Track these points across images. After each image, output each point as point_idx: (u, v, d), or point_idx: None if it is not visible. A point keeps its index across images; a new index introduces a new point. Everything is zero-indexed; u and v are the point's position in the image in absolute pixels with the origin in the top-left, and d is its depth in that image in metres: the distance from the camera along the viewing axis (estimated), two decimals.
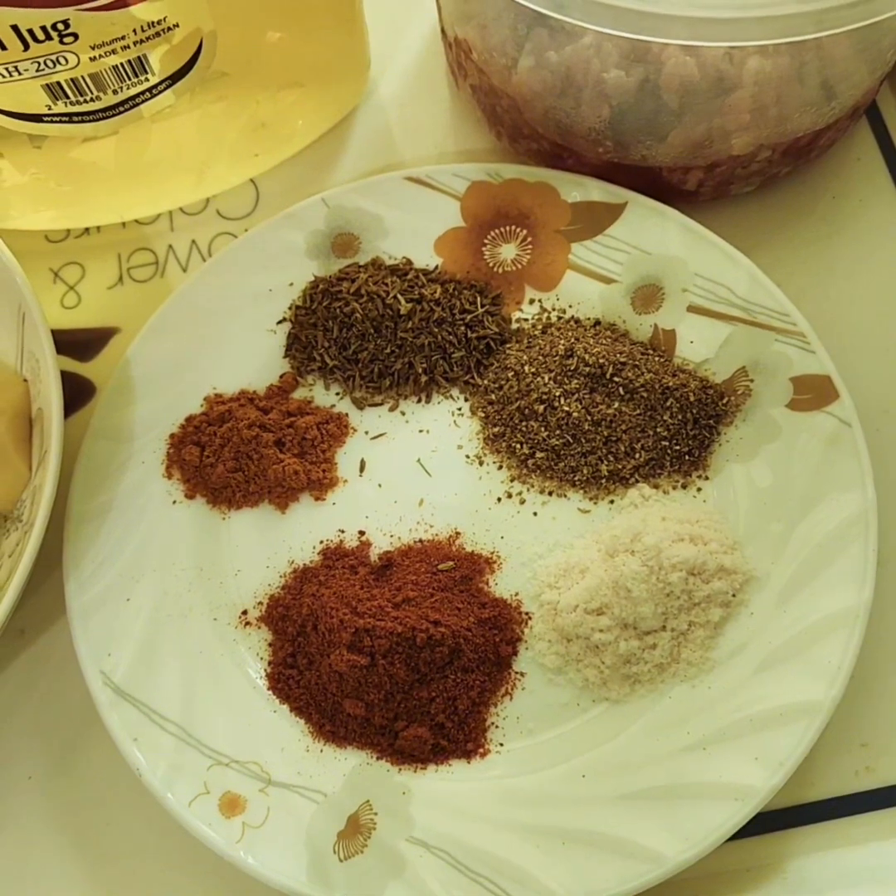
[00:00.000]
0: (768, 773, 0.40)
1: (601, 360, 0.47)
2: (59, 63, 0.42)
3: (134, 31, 0.42)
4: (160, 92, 0.46)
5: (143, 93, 0.46)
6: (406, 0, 0.58)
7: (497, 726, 0.43)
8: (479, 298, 0.50)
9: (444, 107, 0.56)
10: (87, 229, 0.55)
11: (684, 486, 0.47)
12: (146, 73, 0.45)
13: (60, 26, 0.41)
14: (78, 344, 0.53)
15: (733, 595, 0.43)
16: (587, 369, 0.47)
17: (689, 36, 0.39)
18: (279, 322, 0.51)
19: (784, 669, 0.42)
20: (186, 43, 0.45)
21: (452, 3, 0.50)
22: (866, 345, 0.50)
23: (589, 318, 0.50)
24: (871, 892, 0.41)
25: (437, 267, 0.51)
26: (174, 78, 0.46)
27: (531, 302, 0.50)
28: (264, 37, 0.48)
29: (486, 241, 0.51)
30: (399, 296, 0.49)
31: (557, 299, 0.50)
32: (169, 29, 0.43)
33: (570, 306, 0.50)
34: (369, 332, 0.49)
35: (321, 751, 0.43)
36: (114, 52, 0.43)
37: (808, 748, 0.40)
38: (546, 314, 0.50)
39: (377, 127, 0.56)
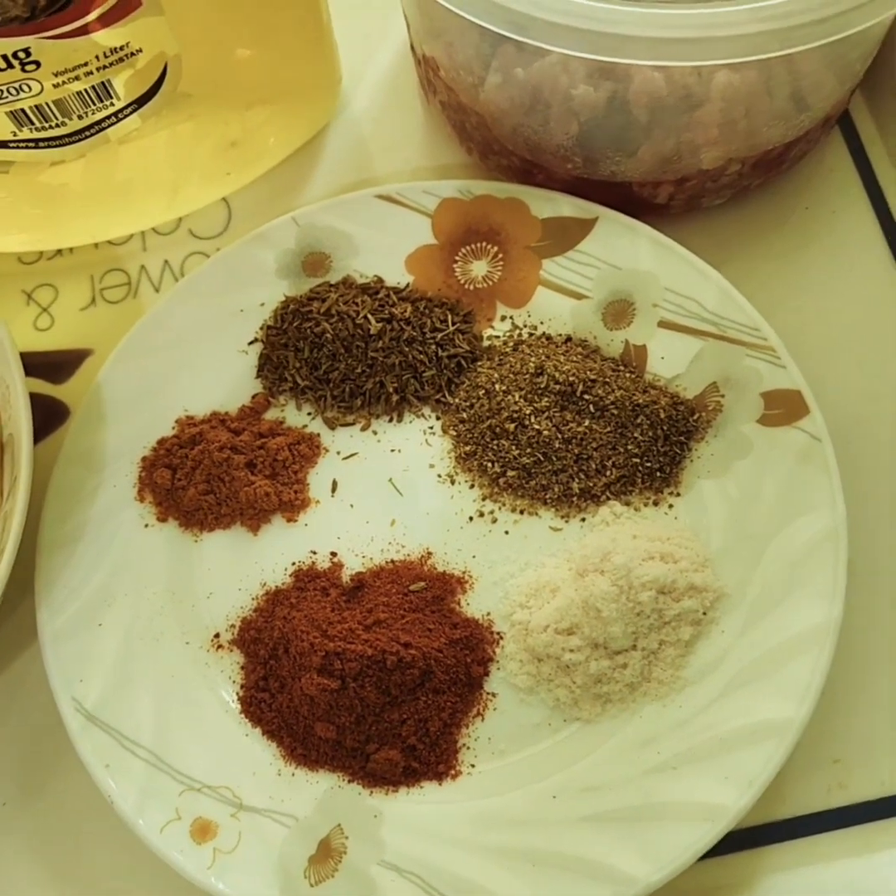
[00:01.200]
0: (738, 793, 0.40)
1: (571, 378, 0.47)
2: (23, 90, 0.42)
3: (96, 57, 0.42)
4: (126, 116, 0.46)
5: (108, 117, 0.46)
6: (377, 16, 0.58)
7: (468, 747, 0.43)
8: (450, 316, 0.50)
9: (416, 123, 0.56)
10: (59, 250, 0.55)
11: (656, 503, 0.46)
12: (111, 97, 0.45)
13: (22, 55, 0.41)
14: (52, 366, 0.53)
15: (704, 613, 0.43)
16: (557, 387, 0.47)
17: (653, 56, 0.39)
18: (251, 342, 0.50)
19: (755, 688, 0.41)
20: (150, 67, 0.45)
21: (420, 20, 0.50)
22: (837, 358, 0.49)
23: (560, 335, 0.49)
24: None
25: (408, 285, 0.51)
26: (140, 101, 0.46)
27: (503, 319, 0.50)
28: (231, 57, 0.48)
29: (457, 258, 0.51)
30: (369, 315, 0.49)
31: (529, 316, 0.50)
32: (132, 54, 0.43)
33: (542, 323, 0.50)
34: (340, 351, 0.49)
35: (293, 774, 0.43)
36: (77, 78, 0.43)
37: (778, 767, 0.40)
38: (517, 331, 0.50)
39: (350, 143, 0.56)
